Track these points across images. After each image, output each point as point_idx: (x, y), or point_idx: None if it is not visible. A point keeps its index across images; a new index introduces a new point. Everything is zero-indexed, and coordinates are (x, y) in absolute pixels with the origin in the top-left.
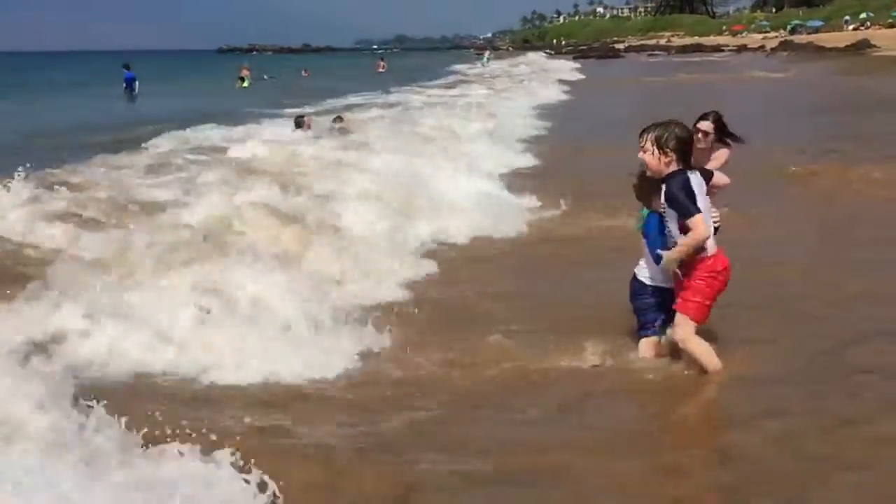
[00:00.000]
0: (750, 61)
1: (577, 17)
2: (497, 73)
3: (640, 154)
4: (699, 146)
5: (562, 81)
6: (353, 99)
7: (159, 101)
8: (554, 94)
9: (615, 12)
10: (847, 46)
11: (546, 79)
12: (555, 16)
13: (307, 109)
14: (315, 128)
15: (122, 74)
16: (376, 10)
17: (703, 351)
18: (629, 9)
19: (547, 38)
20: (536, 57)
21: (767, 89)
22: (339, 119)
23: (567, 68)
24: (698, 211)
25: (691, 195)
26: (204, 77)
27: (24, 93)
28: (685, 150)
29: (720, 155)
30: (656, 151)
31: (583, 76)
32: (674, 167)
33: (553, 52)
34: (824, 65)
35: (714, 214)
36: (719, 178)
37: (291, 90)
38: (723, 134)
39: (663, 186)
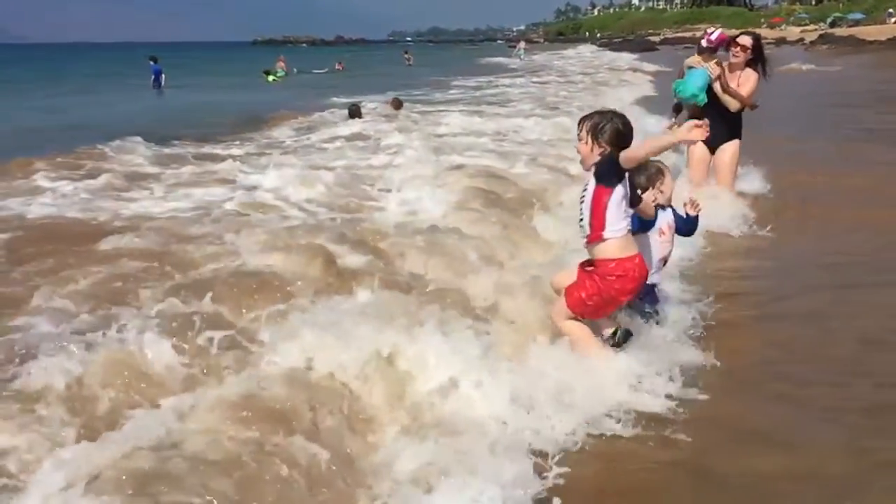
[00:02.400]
0: (791, 54)
1: (611, 10)
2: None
3: (577, 143)
4: (733, 60)
5: (637, 71)
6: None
7: (201, 95)
8: (648, 87)
9: (650, 4)
10: (889, 40)
11: (620, 68)
12: (589, 8)
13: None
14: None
15: (150, 67)
16: (410, 2)
17: (576, 334)
18: (665, 0)
19: (581, 31)
20: (586, 49)
21: (822, 82)
22: (398, 103)
23: (628, 59)
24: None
25: (618, 173)
26: (238, 69)
27: (77, 84)
28: (620, 144)
29: (750, 77)
30: (590, 140)
31: (657, 66)
32: None
33: (600, 46)
34: (865, 58)
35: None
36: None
37: (327, 84)
38: (759, 55)
39: (593, 168)
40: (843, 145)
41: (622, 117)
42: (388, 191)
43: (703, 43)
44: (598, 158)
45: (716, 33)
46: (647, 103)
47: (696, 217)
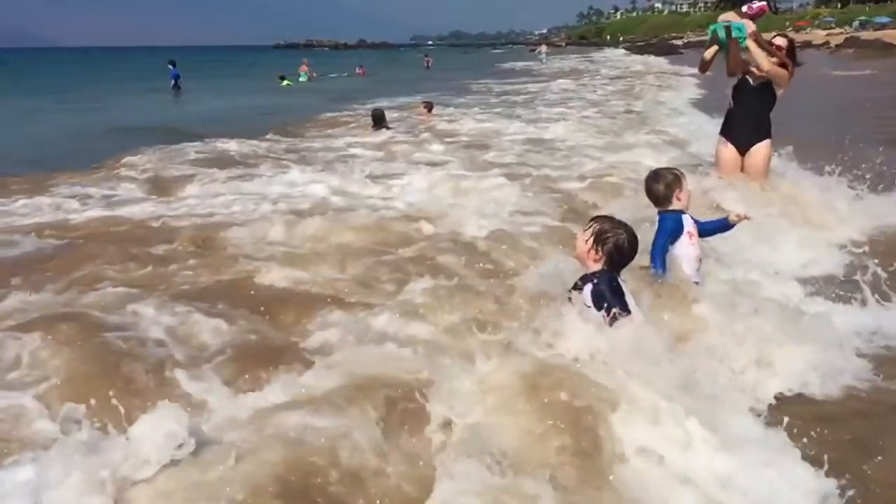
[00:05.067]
0: (816, 59)
1: (634, 13)
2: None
3: (579, 233)
4: None
5: (679, 75)
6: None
7: (222, 100)
8: (695, 90)
9: (673, 7)
10: None
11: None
12: (612, 11)
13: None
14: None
15: (169, 72)
16: (432, 6)
17: None
18: (688, 4)
19: (604, 35)
20: (611, 53)
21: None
22: (429, 106)
23: (659, 62)
24: (627, 313)
25: (620, 295)
26: (260, 73)
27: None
28: (617, 259)
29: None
30: (591, 241)
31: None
32: (599, 267)
33: (629, 50)
34: (894, 62)
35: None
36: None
37: (350, 88)
38: (790, 56)
39: (590, 284)
40: None
41: (631, 234)
42: (438, 199)
43: (744, 8)
44: (592, 266)
45: (758, 3)
46: (700, 105)
47: (721, 220)
